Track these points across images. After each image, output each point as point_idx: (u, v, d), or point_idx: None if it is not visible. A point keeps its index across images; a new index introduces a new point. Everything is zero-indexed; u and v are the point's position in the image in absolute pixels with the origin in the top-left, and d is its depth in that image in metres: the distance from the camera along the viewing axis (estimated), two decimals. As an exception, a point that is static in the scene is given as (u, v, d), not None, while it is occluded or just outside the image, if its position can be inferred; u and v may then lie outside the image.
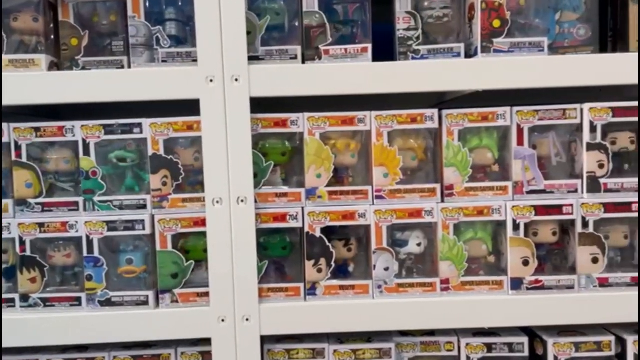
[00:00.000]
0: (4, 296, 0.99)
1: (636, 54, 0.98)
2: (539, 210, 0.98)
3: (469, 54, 1.01)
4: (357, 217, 0.99)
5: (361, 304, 0.99)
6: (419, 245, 1.02)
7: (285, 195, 0.99)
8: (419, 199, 1.00)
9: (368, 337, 1.03)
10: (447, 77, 0.97)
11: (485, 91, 0.97)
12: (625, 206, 0.98)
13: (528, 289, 0.99)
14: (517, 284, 0.99)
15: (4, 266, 1.00)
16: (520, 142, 1.00)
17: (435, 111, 0.99)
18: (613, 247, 1.02)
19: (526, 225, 0.99)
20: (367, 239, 1.01)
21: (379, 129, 0.99)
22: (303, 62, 0.98)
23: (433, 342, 1.03)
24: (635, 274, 0.99)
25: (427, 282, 1.00)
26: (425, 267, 1.03)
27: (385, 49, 1.03)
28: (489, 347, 1.02)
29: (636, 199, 0.98)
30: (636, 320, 0.99)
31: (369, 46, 0.98)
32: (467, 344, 1.02)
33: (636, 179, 0.98)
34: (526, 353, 1.01)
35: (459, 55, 1.00)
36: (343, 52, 0.98)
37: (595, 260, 0.99)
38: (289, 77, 0.96)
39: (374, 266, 1.00)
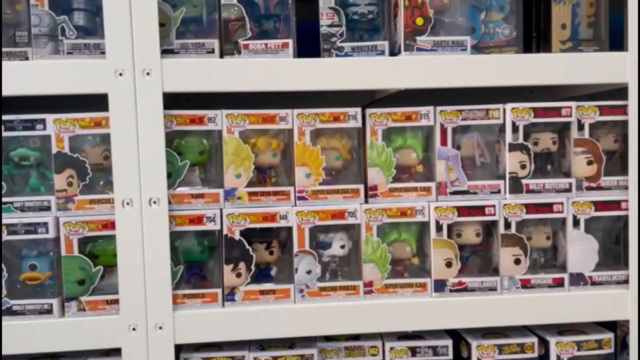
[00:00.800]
0: None
1: (557, 54, 0.99)
2: (462, 211, 0.97)
3: (394, 52, 0.99)
4: (278, 218, 0.95)
5: (282, 309, 0.95)
6: (342, 247, 0.99)
7: (202, 196, 0.94)
8: (342, 200, 0.97)
9: (291, 342, 1.00)
10: (370, 75, 0.94)
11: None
12: (547, 207, 0.98)
13: (451, 291, 0.98)
14: (440, 286, 0.98)
15: None
16: (443, 142, 0.98)
17: (358, 110, 0.97)
18: (536, 247, 1.02)
19: (450, 226, 0.98)
20: (290, 242, 0.98)
21: (301, 127, 0.96)
22: (221, 57, 0.94)
23: (357, 347, 1.00)
24: (557, 275, 0.99)
25: (350, 285, 0.97)
26: (350, 270, 1.01)
27: (316, 47, 1.00)
28: (413, 351, 1.00)
29: (557, 200, 0.98)
30: (558, 321, 1.00)
31: (290, 42, 0.94)
32: (392, 348, 1.00)
33: (557, 180, 0.99)
34: (450, 356, 1.00)
35: (383, 53, 0.97)
36: (263, 47, 0.94)
37: (517, 262, 0.99)
38: (205, 71, 0.91)
39: (296, 269, 0.96)
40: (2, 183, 0.92)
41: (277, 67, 0.93)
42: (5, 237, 0.90)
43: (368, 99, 1.16)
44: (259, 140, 0.96)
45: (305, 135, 0.96)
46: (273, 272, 0.99)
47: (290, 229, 0.96)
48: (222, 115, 0.94)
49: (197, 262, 0.97)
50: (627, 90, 0.96)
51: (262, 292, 0.95)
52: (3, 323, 0.91)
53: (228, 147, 0.94)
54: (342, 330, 0.97)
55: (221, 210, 0.94)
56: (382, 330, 0.98)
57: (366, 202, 0.98)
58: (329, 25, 0.97)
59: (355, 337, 1.02)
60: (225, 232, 0.94)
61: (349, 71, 0.94)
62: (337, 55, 0.97)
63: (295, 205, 0.96)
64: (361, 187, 0.98)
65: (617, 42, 1.00)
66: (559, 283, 0.99)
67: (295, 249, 0.96)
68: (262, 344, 1.00)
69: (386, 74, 0.94)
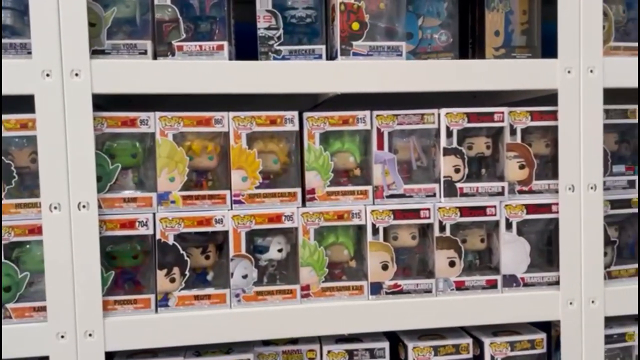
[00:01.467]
0: None
1: (489, 60, 1.01)
2: (398, 214, 0.98)
3: (332, 57, 1.00)
4: (214, 222, 0.94)
5: (217, 314, 0.94)
6: (280, 251, 0.98)
7: (134, 200, 0.93)
8: (279, 204, 0.97)
9: (228, 348, 0.99)
10: (306, 78, 0.94)
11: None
12: (480, 210, 1.00)
13: (387, 293, 0.99)
14: (376, 288, 0.98)
15: None
16: (380, 146, 0.99)
17: (295, 113, 0.97)
18: (471, 250, 1.04)
19: (386, 230, 0.99)
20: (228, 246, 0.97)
21: (237, 130, 0.95)
22: (155, 58, 0.93)
23: (295, 351, 1.00)
24: (491, 277, 1.01)
25: (287, 289, 0.97)
26: (289, 274, 1.00)
27: (256, 50, 1.00)
28: (351, 354, 1.00)
29: (490, 203, 1.00)
30: (492, 322, 1.02)
31: (226, 44, 0.94)
32: (329, 351, 1.00)
33: (490, 183, 1.01)
34: (387, 358, 1.01)
35: (321, 57, 0.98)
36: (198, 49, 0.93)
37: (452, 264, 1.00)
38: (137, 73, 0.89)
39: (232, 274, 0.95)
40: None
41: (211, 69, 0.92)
42: None
43: (312, 102, 1.16)
44: (194, 143, 0.95)
45: (241, 138, 0.95)
46: (210, 277, 0.98)
47: (226, 233, 0.95)
48: (155, 118, 0.92)
49: (131, 268, 0.95)
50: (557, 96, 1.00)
51: (196, 298, 0.94)
52: None
53: (161, 150, 0.93)
54: (279, 335, 0.97)
55: (154, 214, 0.93)
56: (319, 333, 0.98)
57: (304, 205, 0.98)
58: (267, 28, 0.97)
59: (294, 341, 1.02)
60: (158, 236, 0.93)
61: (285, 74, 0.93)
62: (274, 59, 0.97)
63: (231, 209, 0.95)
64: (298, 190, 0.97)
65: (551, 49, 1.03)
66: (492, 285, 1.01)
67: (231, 253, 0.95)
68: (199, 350, 0.98)
69: (322, 78, 0.95)
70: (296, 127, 0.97)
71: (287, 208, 0.96)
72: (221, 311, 0.95)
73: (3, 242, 0.88)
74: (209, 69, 0.91)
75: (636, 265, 1.06)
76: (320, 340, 1.02)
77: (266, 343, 1.02)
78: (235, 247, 0.95)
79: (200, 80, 0.91)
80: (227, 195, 0.95)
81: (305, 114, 0.97)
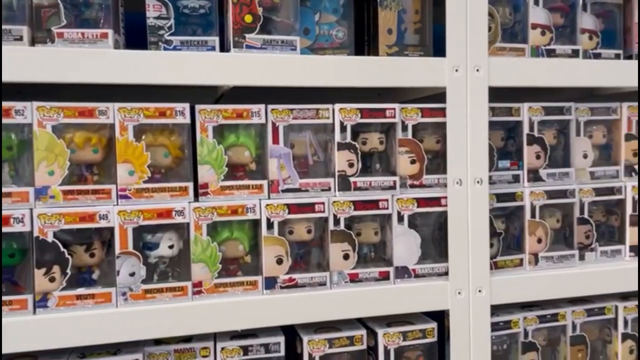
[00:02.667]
0: None
1: (381, 58, 1.03)
2: (292, 208, 0.98)
3: (226, 49, 0.98)
4: (98, 219, 0.90)
5: (102, 314, 0.90)
6: (171, 247, 0.96)
7: (9, 195, 0.87)
8: (169, 199, 0.94)
9: (116, 348, 0.95)
10: (197, 70, 0.92)
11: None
12: (373, 204, 1.02)
13: (282, 287, 0.98)
14: (271, 283, 0.98)
15: None
16: (275, 141, 0.99)
17: (186, 105, 0.94)
18: (366, 243, 1.06)
19: (281, 224, 0.99)
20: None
21: (123, 122, 0.91)
22: (32, 45, 0.87)
23: (188, 349, 0.98)
24: (383, 268, 1.03)
25: (177, 286, 0.94)
26: (182, 271, 0.98)
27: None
28: (245, 350, 0.99)
29: (382, 197, 1.02)
30: (384, 313, 1.04)
31: (110, 32, 0.90)
32: (223, 348, 0.98)
33: (383, 178, 1.03)
34: (282, 353, 1.01)
35: (214, 49, 0.96)
36: (80, 37, 0.89)
37: (346, 257, 1.02)
38: (11, 60, 0.84)
39: (118, 272, 0.92)
40: None
41: (94, 57, 0.88)
42: None
43: (214, 96, 1.14)
44: (76, 135, 0.90)
45: (128, 130, 0.92)
46: (95, 276, 0.94)
47: (112, 229, 0.91)
48: (32, 108, 0.87)
49: (8, 267, 0.89)
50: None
51: (79, 297, 0.90)
52: None
53: (39, 143, 0.88)
54: (169, 333, 0.94)
55: (31, 210, 0.87)
56: (211, 330, 0.96)
57: (197, 200, 0.96)
58: (156, 18, 0.94)
59: (187, 339, 1.00)
60: (36, 233, 0.87)
61: (174, 65, 0.91)
62: (165, 49, 0.94)
63: (117, 204, 0.92)
64: (190, 185, 0.95)
65: (443, 49, 1.06)
66: (385, 276, 1.03)
67: (117, 250, 0.91)
68: (84, 352, 0.94)
69: (214, 70, 0.93)
70: (187, 120, 0.95)
71: (177, 203, 0.94)
72: (106, 311, 0.91)
73: None
74: (90, 57, 0.87)
75: (521, 256, 1.12)
76: (215, 337, 1.01)
77: (158, 342, 0.99)
78: (122, 244, 0.91)
79: (81, 69, 0.87)
80: (112, 190, 0.91)
81: (198, 107, 0.95)
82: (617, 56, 1.17)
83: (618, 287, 1.14)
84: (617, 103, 1.17)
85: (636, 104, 1.17)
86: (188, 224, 0.95)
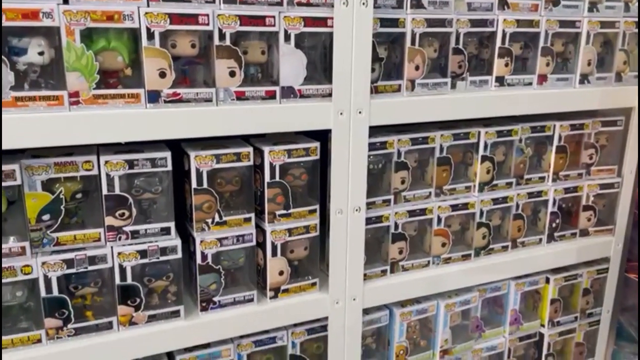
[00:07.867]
0: None
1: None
2: (175, 18, 0.94)
3: None
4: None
5: (-32, 121, 0.85)
6: (41, 54, 0.90)
7: None
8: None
9: (-11, 161, 0.91)
10: None
11: None
12: (260, 19, 1.00)
13: (166, 101, 0.97)
14: (154, 97, 0.96)
15: None
16: None
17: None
18: (252, 62, 1.05)
19: (163, 36, 0.95)
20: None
21: None
22: None
23: (69, 162, 0.96)
24: (270, 88, 1.05)
25: (52, 95, 0.90)
26: (55, 82, 0.92)
27: None
28: (131, 164, 1.00)
29: (269, 13, 1.00)
30: (270, 131, 1.08)
31: None
32: (107, 162, 0.98)
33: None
34: (169, 167, 1.03)
35: None
36: None
37: (232, 74, 1.01)
38: None
39: (-19, 77, 0.85)
40: None
41: None
42: None
43: None
44: None
45: None
46: (-45, 81, 0.86)
47: (-31, 29, 0.83)
48: None
49: None
50: None
51: (-63, 101, 0.83)
52: None
53: None
54: (46, 143, 0.91)
55: None
56: (91, 141, 0.94)
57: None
58: None
59: (69, 153, 0.98)
60: None
61: None
62: None
63: (-28, -1, 0.82)
64: (58, -15, 0.87)
65: None
66: (271, 95, 1.05)
67: (-21, 52, 0.84)
68: (-48, 164, 0.89)
69: None
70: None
71: (45, 4, 0.86)
72: (-28, 118, 0.85)
73: None
74: None
75: (400, 82, 1.18)
76: (98, 150, 1.00)
77: (35, 156, 0.96)
78: (-16, 46, 0.84)
79: None
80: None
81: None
82: None
83: (483, 113, 1.26)
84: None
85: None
86: (58, 28, 0.88)
